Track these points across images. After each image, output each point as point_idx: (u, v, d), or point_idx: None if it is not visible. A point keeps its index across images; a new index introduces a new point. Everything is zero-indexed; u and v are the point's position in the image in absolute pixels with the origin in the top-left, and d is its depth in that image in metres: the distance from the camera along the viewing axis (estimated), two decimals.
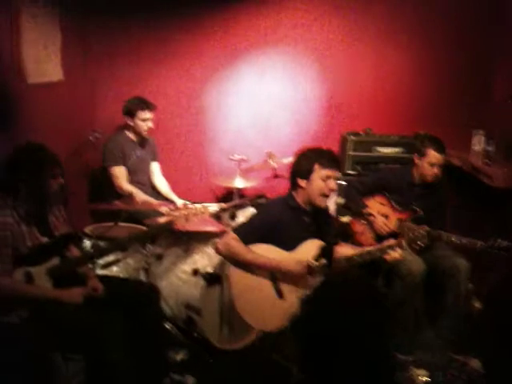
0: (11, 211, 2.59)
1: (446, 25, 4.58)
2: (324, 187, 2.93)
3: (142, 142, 4.32)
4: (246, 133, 4.79)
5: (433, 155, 3.60)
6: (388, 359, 1.51)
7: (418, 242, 2.98)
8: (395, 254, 2.93)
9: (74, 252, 2.93)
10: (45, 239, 2.70)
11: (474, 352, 3.43)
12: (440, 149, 3.61)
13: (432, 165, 3.62)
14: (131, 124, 4.21)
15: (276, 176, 4.30)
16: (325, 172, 2.92)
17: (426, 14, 4.58)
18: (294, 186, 3.02)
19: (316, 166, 2.92)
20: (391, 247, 2.95)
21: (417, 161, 3.68)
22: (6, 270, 2.53)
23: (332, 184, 2.94)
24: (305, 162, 2.96)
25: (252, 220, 3.05)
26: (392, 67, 4.69)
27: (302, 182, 2.96)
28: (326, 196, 2.96)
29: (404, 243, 2.96)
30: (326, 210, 3.14)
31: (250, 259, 2.89)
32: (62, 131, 3.93)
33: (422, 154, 3.64)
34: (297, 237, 2.97)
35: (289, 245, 2.96)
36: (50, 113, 3.84)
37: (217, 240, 3.12)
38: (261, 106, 4.78)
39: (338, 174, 3.02)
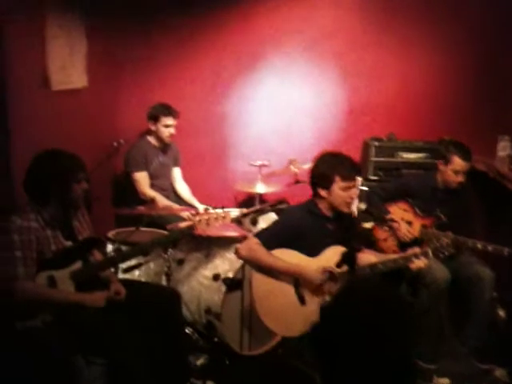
0: (36, 216, 2.62)
1: (472, 30, 4.52)
2: (346, 197, 2.91)
3: (165, 147, 4.35)
4: (267, 138, 4.79)
5: (458, 163, 3.55)
6: (410, 368, 1.48)
7: (444, 252, 2.92)
8: (420, 263, 2.88)
9: (97, 256, 2.96)
10: (69, 243, 2.73)
11: (499, 361, 3.37)
12: (465, 156, 3.55)
13: (456, 172, 3.56)
14: (154, 129, 4.25)
15: (297, 181, 4.29)
16: (345, 184, 2.89)
17: (451, 19, 4.53)
18: (315, 194, 3.00)
19: (336, 178, 2.89)
20: (416, 256, 2.90)
21: (441, 167, 3.63)
22: (29, 274, 2.56)
23: (353, 192, 2.92)
24: (324, 173, 2.93)
25: (274, 226, 3.05)
26: (416, 72, 4.65)
27: (322, 192, 2.94)
28: (349, 203, 2.94)
29: (429, 252, 2.91)
30: (350, 216, 3.11)
31: (272, 264, 2.88)
32: (87, 137, 3.98)
33: (447, 161, 3.58)
34: (320, 243, 2.95)
35: (311, 251, 2.94)
36: (75, 119, 3.89)
37: (238, 245, 3.12)
38: (282, 112, 4.78)
39: (359, 181, 3.00)
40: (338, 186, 2.90)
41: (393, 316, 1.47)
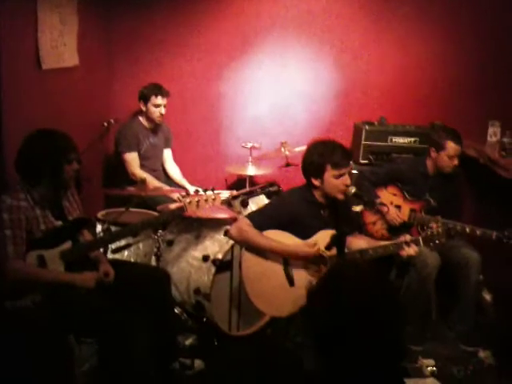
0: (26, 195, 2.62)
1: (468, 17, 4.50)
2: (339, 184, 2.91)
3: (156, 128, 4.34)
4: (262, 121, 4.77)
5: (452, 147, 3.57)
6: (401, 350, 1.51)
7: (435, 240, 2.94)
8: (410, 251, 2.88)
9: (87, 236, 2.97)
10: (58, 223, 2.74)
11: (484, 344, 3.43)
12: (458, 140, 3.59)
13: (451, 157, 3.59)
14: (144, 110, 4.23)
15: (288, 164, 4.29)
16: (337, 171, 2.89)
17: (450, 6, 4.51)
18: (309, 183, 2.99)
19: (328, 166, 2.89)
20: (407, 243, 2.91)
21: (434, 154, 3.64)
22: (19, 253, 2.56)
23: (346, 180, 2.92)
24: (316, 162, 2.91)
25: (267, 208, 3.06)
26: (409, 58, 4.63)
27: (315, 181, 2.94)
28: (344, 190, 2.94)
29: (420, 240, 2.93)
30: (346, 203, 3.13)
31: (262, 244, 2.89)
32: (78, 117, 3.96)
33: (441, 148, 3.59)
34: (312, 229, 2.96)
35: (304, 235, 2.95)
36: (66, 98, 3.86)
37: (229, 226, 3.13)
38: (276, 95, 4.75)
39: (351, 168, 3.00)
40: (330, 173, 2.89)
41: (382, 299, 1.49)
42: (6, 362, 2.43)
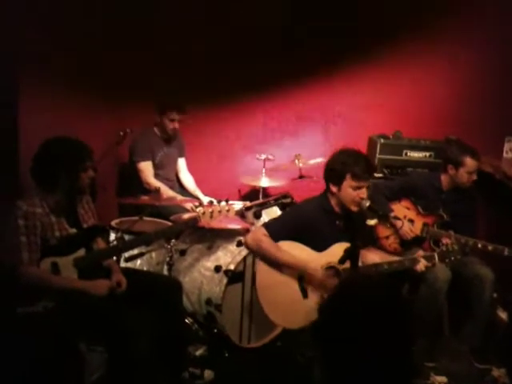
0: (41, 202, 2.64)
1: (487, 30, 4.50)
2: (355, 196, 2.91)
3: (170, 138, 4.36)
4: (275, 133, 4.78)
5: (470, 163, 3.55)
6: (411, 366, 1.49)
7: (451, 257, 2.93)
8: (424, 265, 2.92)
9: (101, 244, 2.98)
10: (73, 230, 2.75)
11: (498, 362, 3.38)
12: (476, 155, 3.57)
13: (470, 173, 3.57)
14: (158, 121, 4.25)
15: (301, 177, 4.29)
16: (356, 183, 2.89)
17: (468, 18, 4.51)
18: (327, 188, 3.00)
19: (348, 176, 2.89)
20: (422, 259, 2.94)
21: (452, 171, 3.61)
22: (33, 259, 2.58)
23: (363, 193, 2.91)
24: (337, 168, 2.92)
25: (284, 217, 3.06)
26: (426, 69, 4.63)
27: (333, 188, 2.94)
28: (358, 203, 2.93)
29: (436, 256, 2.92)
30: (359, 213, 3.12)
31: (277, 256, 2.89)
32: (93, 126, 4.00)
33: (459, 164, 3.57)
34: (328, 239, 2.96)
35: (320, 246, 2.95)
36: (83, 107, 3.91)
37: (242, 237, 3.13)
38: (293, 106, 4.76)
39: (370, 183, 3.00)
40: (348, 184, 2.90)
41: (394, 313, 1.47)
42: (16, 367, 2.43)
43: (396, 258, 3.03)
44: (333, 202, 2.99)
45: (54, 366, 2.45)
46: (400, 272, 3.00)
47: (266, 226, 2.98)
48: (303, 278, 2.92)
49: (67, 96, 3.71)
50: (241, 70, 4.54)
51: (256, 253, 3.01)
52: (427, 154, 4.40)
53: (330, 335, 1.47)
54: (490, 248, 3.31)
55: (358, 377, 1.41)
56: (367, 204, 2.98)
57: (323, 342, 1.50)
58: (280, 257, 2.89)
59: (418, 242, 3.63)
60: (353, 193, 2.90)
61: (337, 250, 2.91)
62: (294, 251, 2.92)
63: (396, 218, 3.65)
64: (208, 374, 3.12)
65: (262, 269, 2.96)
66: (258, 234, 2.94)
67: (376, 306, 1.44)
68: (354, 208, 2.94)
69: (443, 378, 3.18)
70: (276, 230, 2.92)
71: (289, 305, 2.91)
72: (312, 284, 2.91)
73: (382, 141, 4.40)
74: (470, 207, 3.75)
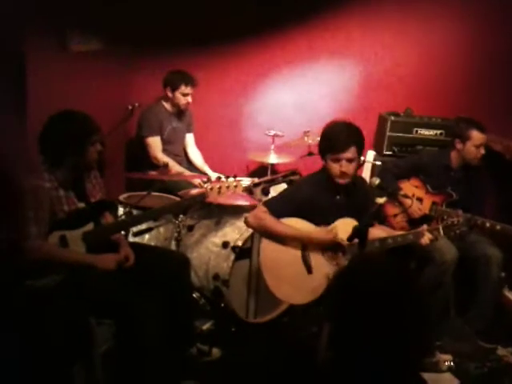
0: (49, 176, 2.64)
1: (499, 6, 4.41)
2: (336, 168, 2.89)
3: (179, 113, 4.34)
4: (285, 109, 4.75)
5: (477, 136, 3.53)
6: (424, 345, 1.49)
7: (456, 230, 2.92)
8: (427, 240, 2.91)
9: (109, 219, 2.99)
10: (81, 205, 2.76)
11: (503, 342, 3.40)
12: (482, 128, 3.56)
13: (478, 146, 3.55)
14: (170, 96, 4.22)
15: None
16: (335, 156, 2.87)
17: None
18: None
19: (327, 152, 2.89)
20: (426, 232, 2.92)
21: (459, 146, 3.60)
22: (41, 233, 2.58)
23: (343, 165, 2.87)
24: (321, 144, 2.94)
25: (283, 195, 3.05)
26: (437, 46, 4.56)
27: (324, 162, 2.95)
28: (341, 177, 2.90)
29: (440, 229, 2.92)
30: (364, 190, 3.10)
31: (280, 231, 2.90)
32: (102, 100, 3.97)
33: (466, 138, 3.56)
34: (330, 215, 2.95)
35: (321, 223, 2.95)
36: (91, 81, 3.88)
37: (247, 214, 3.14)
38: (303, 84, 4.71)
39: (353, 155, 2.93)
40: (329, 157, 2.90)
41: (408, 291, 1.47)
42: (25, 340, 2.46)
43: (400, 232, 3.02)
44: (330, 177, 2.97)
45: (64, 338, 2.48)
46: (407, 251, 2.99)
47: (266, 203, 2.98)
48: (307, 253, 2.92)
49: (75, 70, 3.68)
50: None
51: (258, 231, 3.02)
52: (438, 132, 4.35)
53: (343, 312, 1.47)
54: (498, 227, 3.31)
55: (370, 355, 1.41)
56: (377, 182, 2.96)
57: (336, 318, 1.50)
58: (282, 230, 2.89)
59: (426, 220, 3.61)
60: (334, 165, 2.88)
61: (340, 225, 2.91)
62: (296, 226, 2.92)
63: (405, 196, 3.64)
64: (215, 351, 3.15)
65: (266, 247, 2.97)
66: (259, 212, 2.94)
67: (389, 282, 1.44)
68: (341, 181, 2.91)
69: (448, 356, 3.20)
70: (276, 208, 2.92)
71: (293, 281, 2.92)
72: (316, 259, 2.91)
73: (393, 118, 4.36)
74: (480, 186, 3.73)
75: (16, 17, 2.95)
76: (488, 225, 3.32)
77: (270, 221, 2.90)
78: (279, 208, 2.93)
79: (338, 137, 2.87)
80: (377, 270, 1.48)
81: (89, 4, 3.71)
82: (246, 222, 3.03)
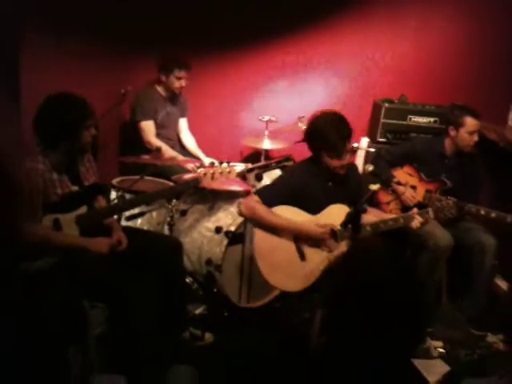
0: (43, 159, 2.62)
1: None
2: (336, 163, 2.90)
3: (173, 97, 4.30)
4: (279, 94, 4.72)
5: (471, 123, 3.52)
6: (418, 332, 1.50)
7: (446, 213, 2.93)
8: (417, 223, 2.92)
9: (102, 203, 2.98)
10: (75, 188, 2.74)
11: (494, 329, 3.43)
12: (475, 114, 3.55)
13: (471, 133, 3.54)
14: (164, 80, 4.18)
15: (304, 139, 4.25)
16: (335, 159, 2.88)
17: None
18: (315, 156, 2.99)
19: (323, 151, 2.89)
20: (417, 215, 2.94)
21: (453, 132, 3.59)
22: (36, 216, 2.57)
23: (344, 161, 2.89)
24: (316, 140, 2.92)
25: (275, 183, 3.05)
26: (434, 34, 4.55)
27: (315, 154, 2.95)
28: (341, 169, 2.93)
29: (431, 211, 2.93)
30: (356, 176, 3.11)
31: (272, 221, 2.89)
32: (95, 84, 3.93)
33: (459, 125, 3.55)
34: (322, 202, 2.96)
35: (314, 209, 2.95)
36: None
37: (240, 200, 3.13)
38: (297, 69, 4.68)
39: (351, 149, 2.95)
40: (324, 154, 2.90)
41: (398, 277, 1.48)
42: (21, 323, 2.45)
43: (391, 216, 3.03)
44: (322, 165, 2.97)
45: (58, 321, 2.48)
46: (403, 239, 3.00)
47: (258, 192, 2.97)
48: (299, 240, 2.93)
49: (69, 54, 3.64)
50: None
51: (251, 220, 3.02)
52: (432, 119, 4.35)
53: (339, 299, 1.47)
54: (493, 215, 3.32)
55: (363, 342, 1.42)
56: (370, 169, 2.96)
57: (331, 305, 1.50)
58: (275, 221, 2.89)
59: (419, 208, 3.61)
60: (332, 162, 2.89)
61: (332, 211, 2.92)
62: (289, 215, 2.92)
63: (399, 183, 3.64)
64: (208, 336, 3.17)
65: (259, 233, 2.96)
66: (251, 201, 2.93)
67: (388, 269, 1.44)
68: (342, 171, 2.94)
69: (439, 343, 3.23)
70: (268, 196, 2.92)
71: (287, 268, 2.92)
72: (309, 246, 2.92)
73: (387, 105, 4.35)
74: (474, 174, 3.74)
75: (11, 13, 2.91)
76: (483, 212, 3.33)
77: (261, 210, 2.89)
78: (271, 196, 2.92)
79: (336, 142, 2.85)
80: (374, 258, 1.48)
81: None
82: (239, 211, 3.02)
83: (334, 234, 2.88)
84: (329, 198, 2.97)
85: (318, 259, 2.90)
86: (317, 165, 2.98)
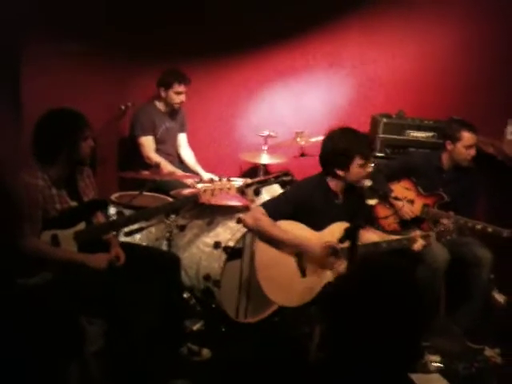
0: (42, 174, 2.65)
1: (492, 9, 4.44)
2: (363, 172, 2.93)
3: (172, 112, 4.33)
4: (278, 110, 4.75)
5: (467, 137, 3.54)
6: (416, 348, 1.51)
7: (447, 236, 2.97)
8: (419, 246, 2.95)
9: (100, 219, 2.99)
10: (74, 203, 2.76)
11: (492, 343, 3.42)
12: (473, 129, 3.57)
13: (468, 147, 3.56)
14: (164, 96, 4.22)
15: (303, 154, 4.28)
16: (364, 162, 2.91)
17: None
18: (330, 173, 2.98)
19: (357, 158, 2.89)
20: (419, 238, 2.97)
21: (450, 147, 3.61)
22: (35, 231, 2.59)
23: (369, 168, 2.98)
24: (344, 153, 2.90)
25: (281, 197, 3.06)
26: (430, 51, 4.59)
27: (340, 172, 2.94)
28: (366, 177, 2.95)
29: (433, 235, 2.95)
30: (359, 192, 3.12)
31: (275, 235, 2.90)
32: (95, 100, 3.97)
33: (457, 139, 3.57)
34: (327, 218, 2.96)
35: (319, 226, 2.96)
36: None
37: (241, 214, 3.14)
38: (293, 84, 4.73)
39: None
40: (357, 163, 2.90)
41: (411, 295, 1.49)
42: (15, 341, 2.45)
43: (394, 237, 3.05)
44: (332, 184, 2.99)
45: (54, 338, 2.47)
46: (399, 252, 3.02)
47: (265, 205, 2.98)
48: (301, 256, 2.93)
49: (69, 69, 3.67)
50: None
51: (255, 232, 3.02)
52: (430, 134, 4.36)
53: (339, 314, 1.48)
54: (489, 230, 3.33)
55: (365, 356, 1.42)
56: (368, 184, 2.97)
57: (331, 321, 1.50)
58: (278, 235, 2.90)
59: (417, 222, 3.64)
60: (361, 171, 2.92)
61: (336, 229, 2.91)
62: (293, 230, 2.92)
63: (397, 198, 3.66)
64: (206, 351, 3.16)
65: (261, 248, 2.97)
66: (257, 212, 2.94)
67: (394, 284, 1.45)
68: (363, 184, 2.93)
69: (437, 357, 3.22)
70: (274, 209, 2.93)
71: (287, 283, 2.92)
72: (310, 262, 2.92)
73: (385, 120, 4.38)
74: (471, 188, 3.75)
75: (13, 18, 2.96)
76: (479, 227, 3.34)
77: (266, 223, 2.90)
78: (277, 210, 2.93)
79: (365, 143, 2.96)
80: (377, 274, 1.49)
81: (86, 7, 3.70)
82: (243, 222, 3.03)
83: (335, 251, 2.89)
84: (335, 214, 2.97)
85: (318, 276, 2.91)
86: (324, 180, 2.99)
